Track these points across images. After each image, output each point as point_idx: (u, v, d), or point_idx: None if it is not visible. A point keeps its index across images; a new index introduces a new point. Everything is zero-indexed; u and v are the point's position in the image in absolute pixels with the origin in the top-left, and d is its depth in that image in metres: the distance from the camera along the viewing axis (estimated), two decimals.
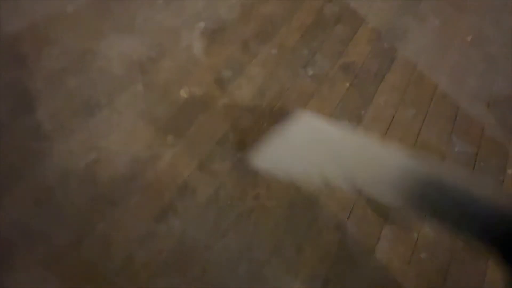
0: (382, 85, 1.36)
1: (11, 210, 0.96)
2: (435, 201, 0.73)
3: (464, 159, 1.22)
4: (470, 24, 1.62)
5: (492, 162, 1.23)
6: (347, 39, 1.47)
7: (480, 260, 1.01)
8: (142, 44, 1.31)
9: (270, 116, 1.22)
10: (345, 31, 1.49)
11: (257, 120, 1.23)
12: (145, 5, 1.42)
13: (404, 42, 1.50)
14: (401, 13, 1.61)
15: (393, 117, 1.28)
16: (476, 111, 1.36)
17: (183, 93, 1.25)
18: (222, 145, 1.16)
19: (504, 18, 1.68)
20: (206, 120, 1.21)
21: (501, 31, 1.62)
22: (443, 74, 1.45)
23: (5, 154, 1.03)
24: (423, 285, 0.94)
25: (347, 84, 1.35)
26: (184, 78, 1.29)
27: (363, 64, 1.41)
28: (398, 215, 1.04)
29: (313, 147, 0.94)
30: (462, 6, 1.69)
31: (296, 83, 1.33)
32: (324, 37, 1.45)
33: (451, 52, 1.53)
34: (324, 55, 1.42)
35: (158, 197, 1.04)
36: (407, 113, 1.31)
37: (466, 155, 1.23)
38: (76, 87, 1.20)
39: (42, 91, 1.16)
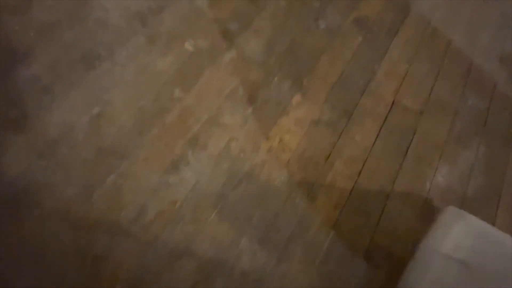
0: (395, 40, 1.32)
1: (14, 164, 0.92)
2: None
3: (475, 114, 1.23)
4: None
5: (503, 116, 1.24)
6: None
7: (491, 208, 1.05)
8: None
9: (281, 71, 1.20)
10: None
11: (267, 75, 1.19)
12: None
13: None
14: None
15: (406, 72, 1.27)
16: (489, 67, 1.34)
17: (188, 46, 1.20)
18: (232, 99, 1.13)
19: None
20: (214, 74, 1.17)
21: None
22: (457, 30, 1.42)
23: (3, 108, 0.99)
24: None
25: (360, 39, 1.31)
26: (188, 30, 1.22)
27: (376, 18, 1.36)
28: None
29: None
30: None
31: (307, 37, 1.28)
32: None
33: (465, 8, 1.49)
34: (336, 8, 1.36)
35: (168, 150, 1.02)
36: (421, 68, 1.29)
37: (478, 110, 1.24)
38: (73, 39, 1.13)
39: (36, 44, 1.09)
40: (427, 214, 0.99)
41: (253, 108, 1.11)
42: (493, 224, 1.01)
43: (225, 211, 0.95)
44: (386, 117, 1.15)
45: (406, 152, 1.10)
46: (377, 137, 1.11)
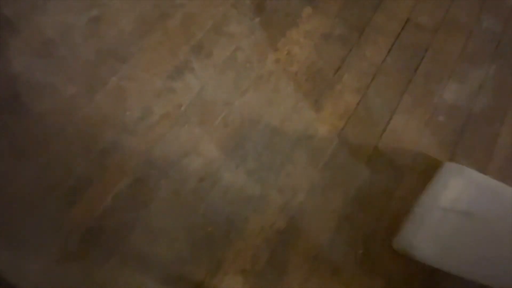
0: None
1: (12, 63, 0.89)
2: None
3: (489, 36, 1.20)
4: None
5: None
6: None
7: (495, 125, 1.07)
8: None
9: None
10: None
11: None
12: None
13: None
14: None
15: None
16: None
17: None
18: (238, 7, 1.07)
19: None
20: None
21: None
22: None
23: None
24: (438, 141, 0.99)
25: None
26: None
27: None
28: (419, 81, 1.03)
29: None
30: None
31: None
32: None
33: None
34: None
35: (172, 56, 0.99)
36: None
37: (493, 32, 1.20)
38: None
39: None
40: (432, 128, 1.02)
41: (260, 18, 1.06)
42: (496, 141, 1.03)
43: (231, 117, 0.94)
44: (398, 34, 1.11)
45: (417, 68, 1.08)
46: (388, 53, 1.08)
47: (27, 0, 0.98)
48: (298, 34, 1.07)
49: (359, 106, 1.00)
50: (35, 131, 0.85)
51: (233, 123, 0.94)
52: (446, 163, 0.88)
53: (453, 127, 1.02)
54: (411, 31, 1.14)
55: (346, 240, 0.86)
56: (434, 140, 1.01)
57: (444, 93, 1.05)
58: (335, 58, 1.06)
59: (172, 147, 0.88)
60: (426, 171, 0.96)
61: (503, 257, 0.70)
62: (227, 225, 0.85)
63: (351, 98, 1.01)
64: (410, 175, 0.96)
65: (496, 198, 0.77)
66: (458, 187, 0.77)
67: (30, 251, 0.77)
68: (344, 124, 0.98)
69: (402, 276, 0.85)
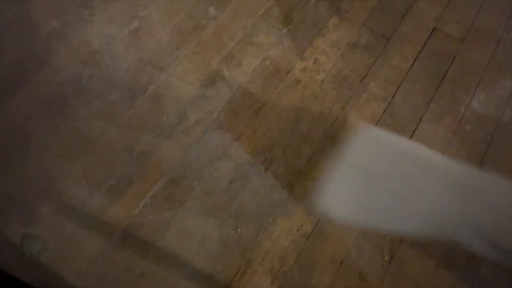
0: None
1: (61, 70, 1.00)
2: None
3: None
4: None
5: None
6: None
7: None
8: None
9: None
10: None
11: None
12: None
13: None
14: None
15: (450, 0, 1.24)
16: None
17: None
18: (267, 19, 1.15)
19: None
20: None
21: None
22: None
23: (46, 19, 1.05)
24: (465, 150, 1.00)
25: None
26: None
27: None
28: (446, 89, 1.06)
29: (397, 184, 0.73)
30: None
31: None
32: None
33: None
34: None
35: (205, 65, 1.07)
36: None
37: None
38: None
39: None
40: (460, 137, 1.03)
41: (288, 29, 1.13)
42: None
43: (259, 123, 1.01)
44: (425, 43, 1.14)
45: (443, 77, 1.11)
46: (414, 61, 1.11)
47: (74, 13, 1.10)
48: (324, 43, 1.13)
49: (385, 114, 1.04)
50: (82, 133, 0.95)
51: (261, 129, 1.00)
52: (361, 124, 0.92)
53: (481, 136, 1.03)
54: (438, 39, 1.16)
55: (372, 244, 0.89)
56: (461, 149, 1.02)
57: (472, 102, 1.07)
58: (361, 67, 1.10)
59: (205, 150, 0.95)
60: None
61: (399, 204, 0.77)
62: (256, 226, 0.90)
63: (377, 106, 1.05)
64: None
65: (394, 153, 0.84)
66: (362, 145, 0.85)
67: (76, 243, 0.85)
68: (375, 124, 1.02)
69: (429, 280, 0.87)
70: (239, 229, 0.89)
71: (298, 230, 0.91)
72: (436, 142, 1.02)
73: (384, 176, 0.79)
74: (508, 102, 1.08)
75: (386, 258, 0.89)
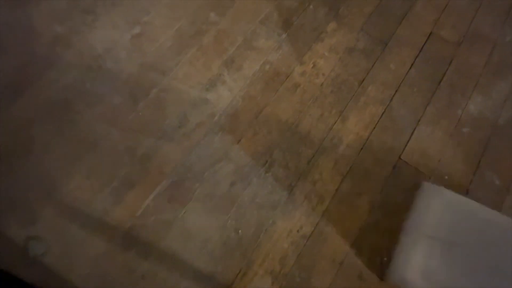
0: None
1: (65, 74, 1.02)
2: None
3: None
4: None
5: None
6: None
7: None
8: None
9: None
10: None
11: (303, 1, 1.21)
12: None
13: None
14: None
15: (446, 4, 1.26)
16: None
17: None
18: (266, 24, 1.17)
19: None
20: None
21: None
22: None
23: (50, 24, 1.07)
24: (462, 152, 1.02)
25: None
26: None
27: None
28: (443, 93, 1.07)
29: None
30: None
31: None
32: None
33: None
34: None
35: (206, 69, 1.09)
36: (461, 1, 1.27)
37: None
38: None
39: None
40: (457, 139, 1.05)
41: (287, 34, 1.16)
42: None
43: (260, 126, 1.03)
44: (422, 47, 1.17)
45: (440, 80, 1.13)
46: (412, 65, 1.14)
47: (77, 19, 1.13)
48: (323, 48, 1.15)
49: (384, 116, 1.06)
50: (85, 136, 0.97)
51: (261, 131, 1.02)
52: (424, 183, 0.87)
53: (478, 138, 1.05)
54: (435, 44, 1.19)
55: (371, 246, 0.91)
56: (458, 151, 1.04)
57: (468, 105, 1.09)
58: (360, 71, 1.13)
59: (206, 153, 0.97)
60: (450, 180, 0.99)
61: (492, 281, 0.71)
62: (256, 227, 0.92)
63: (376, 109, 1.07)
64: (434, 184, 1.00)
65: (475, 221, 0.78)
66: (439, 212, 0.78)
67: (79, 245, 0.87)
68: (369, 134, 1.04)
69: None
70: (240, 231, 0.91)
71: (298, 231, 0.93)
72: (433, 144, 1.04)
73: (465, 246, 0.74)
74: (504, 105, 1.10)
75: (385, 259, 0.91)
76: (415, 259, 0.75)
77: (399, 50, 1.16)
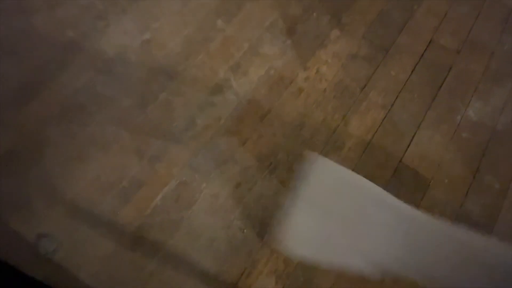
0: None
1: (77, 78, 1.06)
2: None
3: (511, 57, 1.26)
4: None
5: None
6: None
7: None
8: None
9: (320, 7, 1.24)
10: None
11: (306, 9, 1.26)
12: None
13: None
14: None
15: (446, 13, 1.30)
16: None
17: None
18: (271, 31, 1.21)
19: None
20: (254, 7, 1.24)
21: None
22: None
23: (63, 29, 1.12)
24: (462, 156, 1.04)
25: None
26: None
27: None
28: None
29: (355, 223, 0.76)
30: None
31: None
32: None
33: None
34: None
35: (213, 74, 1.12)
36: (461, 9, 1.32)
37: None
38: None
39: None
40: (456, 143, 1.08)
41: (292, 40, 1.19)
42: None
43: (264, 129, 1.06)
44: (422, 54, 1.20)
45: (440, 87, 1.16)
46: (412, 72, 1.17)
47: (89, 24, 1.17)
48: (326, 54, 1.19)
49: (385, 121, 1.09)
50: (96, 137, 1.00)
51: (266, 134, 1.05)
52: (312, 155, 0.93)
53: (477, 143, 1.08)
54: (435, 51, 1.22)
55: None
56: (458, 156, 1.06)
57: (467, 110, 1.12)
58: (362, 77, 1.16)
59: (212, 155, 1.00)
60: (450, 183, 1.02)
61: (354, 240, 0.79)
62: (261, 228, 0.94)
63: (377, 114, 1.10)
64: (434, 188, 1.02)
65: (349, 189, 0.86)
66: (316, 179, 0.86)
67: (88, 244, 0.89)
68: (371, 138, 1.06)
69: None
70: (245, 230, 0.93)
71: None
72: (433, 149, 1.07)
73: (341, 212, 0.82)
74: (502, 111, 1.13)
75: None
76: (294, 223, 0.82)
77: (400, 57, 1.20)
